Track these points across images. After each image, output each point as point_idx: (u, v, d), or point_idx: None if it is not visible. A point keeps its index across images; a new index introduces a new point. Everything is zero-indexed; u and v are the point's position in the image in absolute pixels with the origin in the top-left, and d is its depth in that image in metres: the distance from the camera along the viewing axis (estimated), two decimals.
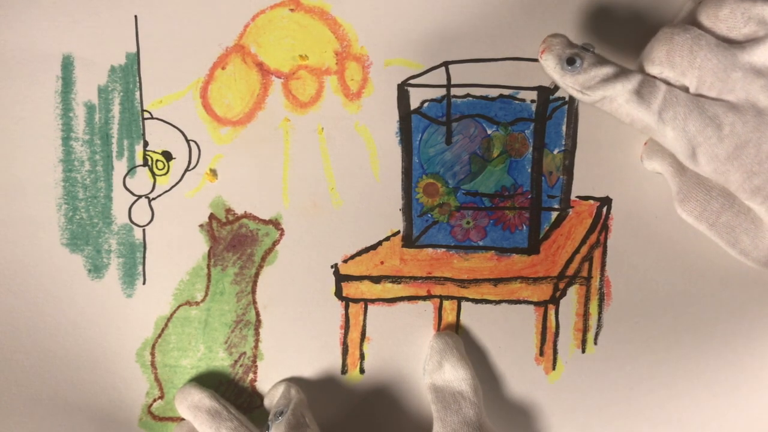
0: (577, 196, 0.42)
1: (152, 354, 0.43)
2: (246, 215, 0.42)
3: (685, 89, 0.36)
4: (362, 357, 0.42)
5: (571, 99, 0.41)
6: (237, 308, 0.42)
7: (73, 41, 0.41)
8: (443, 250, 0.42)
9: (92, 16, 0.41)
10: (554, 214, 0.42)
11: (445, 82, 0.41)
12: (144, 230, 0.42)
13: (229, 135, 0.42)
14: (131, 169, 0.42)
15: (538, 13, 0.41)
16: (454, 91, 0.41)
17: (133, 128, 0.42)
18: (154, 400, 0.43)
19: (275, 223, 0.42)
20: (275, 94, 0.42)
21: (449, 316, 0.42)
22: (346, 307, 0.42)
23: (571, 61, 0.35)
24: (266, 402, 0.42)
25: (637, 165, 0.41)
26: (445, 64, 0.41)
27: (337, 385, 0.43)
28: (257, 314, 0.42)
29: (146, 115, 0.42)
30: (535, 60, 0.41)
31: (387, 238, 0.42)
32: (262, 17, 0.41)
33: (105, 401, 0.43)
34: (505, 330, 0.42)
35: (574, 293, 0.42)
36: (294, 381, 0.42)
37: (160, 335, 0.42)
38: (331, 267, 0.42)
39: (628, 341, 0.42)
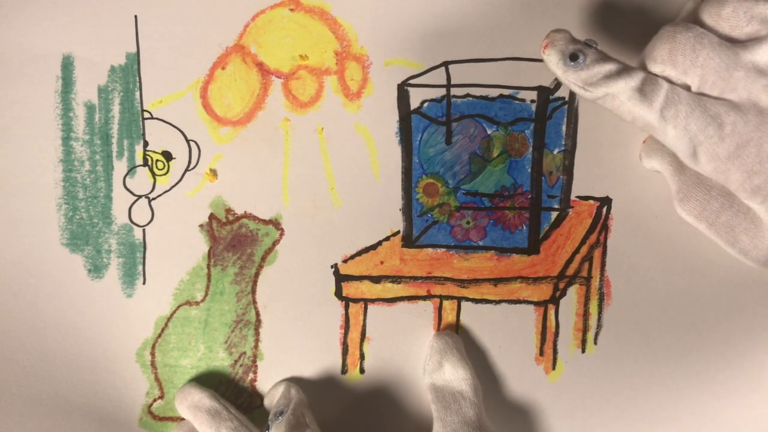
0: (577, 196, 0.42)
1: (152, 354, 0.42)
2: (246, 215, 0.42)
3: (687, 88, 0.35)
4: (362, 357, 0.42)
5: (571, 99, 0.41)
6: (237, 308, 0.42)
7: (73, 41, 0.41)
8: (443, 250, 0.42)
9: (92, 16, 0.41)
10: (554, 214, 0.42)
11: (445, 82, 0.41)
12: (144, 230, 0.42)
13: (229, 135, 0.42)
14: (131, 169, 0.42)
15: (538, 13, 0.41)
16: (454, 91, 0.41)
17: (133, 128, 0.42)
18: (154, 400, 0.43)
19: (275, 223, 0.42)
20: (275, 94, 0.42)
21: (449, 316, 0.42)
22: (346, 307, 0.42)
23: (574, 57, 0.35)
24: (266, 402, 0.42)
25: (637, 165, 0.41)
26: (445, 64, 0.41)
27: (337, 385, 0.43)
28: (257, 314, 0.42)
29: (146, 115, 0.42)
30: (535, 60, 0.41)
31: (387, 238, 0.42)
32: (262, 17, 0.41)
33: (105, 401, 0.43)
34: (505, 330, 0.42)
35: (574, 293, 0.42)
36: (294, 381, 0.42)
37: (160, 335, 0.42)
38: (331, 267, 0.42)
39: (628, 341, 0.42)
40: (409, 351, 0.42)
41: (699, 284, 0.42)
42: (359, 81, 0.41)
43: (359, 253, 0.42)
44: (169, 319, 0.42)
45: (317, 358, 0.42)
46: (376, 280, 0.42)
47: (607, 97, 0.35)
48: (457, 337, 0.42)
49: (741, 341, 0.42)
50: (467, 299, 0.42)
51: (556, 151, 0.42)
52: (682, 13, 0.39)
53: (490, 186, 0.42)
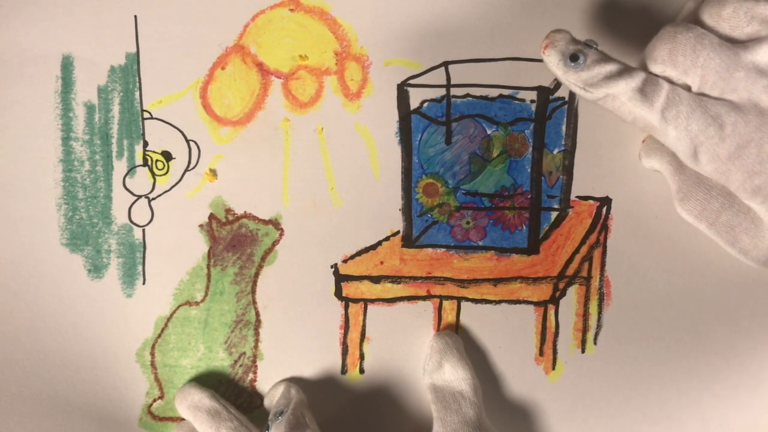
0: (576, 196, 0.42)
1: (152, 354, 0.42)
2: (246, 215, 0.42)
3: (688, 88, 0.35)
4: (362, 357, 0.42)
5: (571, 99, 0.41)
6: (237, 308, 0.42)
7: (73, 41, 0.41)
8: (443, 250, 0.42)
9: (92, 16, 0.41)
10: (554, 214, 0.42)
11: (444, 82, 0.41)
12: (144, 230, 0.42)
13: (229, 135, 0.42)
14: (131, 169, 0.42)
15: (538, 13, 0.41)
16: (453, 91, 0.41)
17: (132, 128, 0.42)
18: (154, 400, 0.43)
19: (275, 223, 0.42)
20: (275, 94, 0.41)
21: (449, 316, 0.42)
22: (346, 307, 0.42)
23: (574, 58, 0.34)
24: (266, 402, 0.42)
25: (637, 165, 0.41)
26: (445, 64, 0.41)
27: (336, 385, 0.43)
28: (257, 314, 0.42)
29: (146, 115, 0.42)
30: (535, 60, 0.41)
31: (387, 238, 0.42)
32: (261, 17, 0.41)
33: (105, 401, 0.42)
34: (504, 330, 0.42)
35: (573, 293, 0.42)
36: (294, 381, 0.42)
37: (160, 335, 0.42)
38: (331, 267, 0.42)
39: (628, 341, 0.42)
40: (408, 351, 0.42)
41: (699, 284, 0.42)
42: (359, 81, 0.41)
43: (359, 253, 0.42)
44: (169, 319, 0.42)
45: (317, 358, 0.42)
46: (375, 280, 0.42)
47: (607, 97, 0.35)
48: (457, 337, 0.42)
49: (741, 341, 0.42)
50: (467, 299, 0.42)
51: (555, 151, 0.41)
52: (682, 13, 0.39)
53: (489, 186, 0.42)
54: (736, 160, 0.35)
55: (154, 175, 0.42)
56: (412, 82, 0.41)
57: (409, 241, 0.42)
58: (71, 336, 0.42)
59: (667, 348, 0.42)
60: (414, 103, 0.41)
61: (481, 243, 0.42)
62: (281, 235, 0.42)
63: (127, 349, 0.42)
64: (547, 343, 0.42)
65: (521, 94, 0.41)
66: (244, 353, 0.42)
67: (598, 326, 0.42)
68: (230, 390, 0.43)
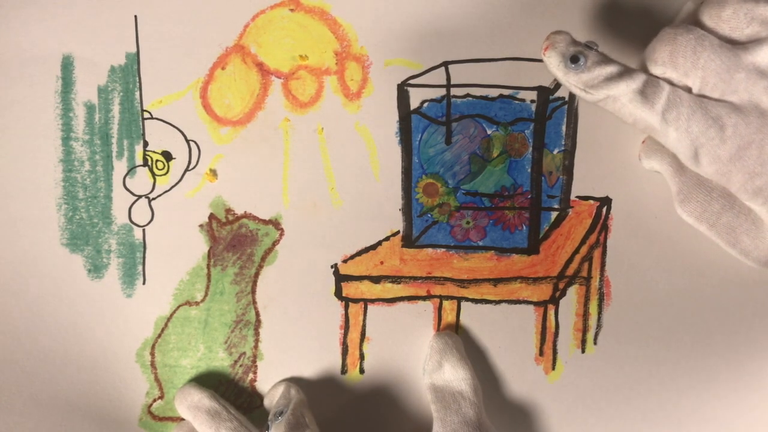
0: (576, 196, 0.42)
1: (152, 354, 0.42)
2: (246, 215, 0.42)
3: (688, 90, 0.35)
4: (362, 357, 0.42)
5: (571, 99, 0.41)
6: (237, 308, 0.42)
7: (73, 41, 0.41)
8: (443, 250, 0.42)
9: (92, 16, 0.41)
10: (554, 214, 0.42)
11: (444, 82, 0.41)
12: (144, 230, 0.42)
13: (229, 135, 0.42)
14: (131, 169, 0.42)
15: (538, 13, 0.41)
16: (453, 91, 0.41)
17: (133, 128, 0.42)
18: (154, 400, 0.43)
19: (275, 223, 0.42)
20: (275, 94, 0.41)
21: (449, 316, 0.42)
22: (346, 307, 0.42)
23: (574, 59, 0.34)
24: (266, 402, 0.42)
25: (637, 165, 0.41)
26: (445, 64, 0.41)
27: (337, 385, 0.42)
28: (257, 314, 0.42)
29: (146, 115, 0.41)
30: (535, 60, 0.41)
31: (387, 238, 0.42)
32: (262, 17, 0.41)
33: (105, 401, 0.42)
34: (504, 330, 0.42)
35: (573, 293, 0.42)
36: (294, 381, 0.42)
37: (160, 335, 0.42)
38: (331, 267, 0.42)
39: (628, 341, 0.42)
40: (408, 351, 0.42)
41: (699, 284, 0.42)
42: (359, 81, 0.41)
43: (359, 253, 0.42)
44: (169, 319, 0.42)
45: (317, 358, 0.42)
46: (376, 280, 0.42)
47: (608, 99, 0.35)
48: (457, 337, 0.42)
49: (741, 341, 0.42)
50: (467, 299, 0.42)
51: (555, 151, 0.41)
52: (680, 14, 0.38)
53: (490, 186, 0.41)
54: (737, 161, 0.34)
55: (154, 175, 0.42)
56: (412, 82, 0.41)
57: (409, 241, 0.42)
58: (71, 336, 0.42)
59: (667, 348, 0.42)
60: (414, 103, 0.41)
61: (481, 243, 0.42)
62: (281, 235, 0.42)
63: (127, 349, 0.42)
64: (547, 343, 0.42)
65: (521, 94, 0.41)
66: (244, 353, 0.42)
67: (598, 326, 0.42)
68: (230, 390, 0.42)
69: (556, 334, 0.42)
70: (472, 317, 0.42)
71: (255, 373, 0.42)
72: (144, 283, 0.42)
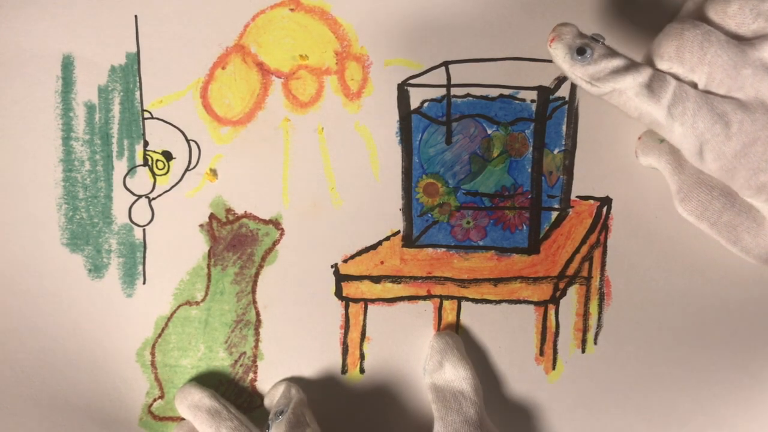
0: (577, 196, 0.42)
1: (152, 354, 0.42)
2: (246, 215, 0.42)
3: (694, 85, 0.35)
4: (362, 357, 0.42)
5: (571, 99, 0.41)
6: (237, 308, 0.42)
7: (73, 41, 0.41)
8: (443, 249, 0.42)
9: (92, 16, 0.41)
10: (554, 214, 0.42)
11: (445, 82, 0.41)
12: (144, 230, 0.42)
13: (229, 135, 0.41)
14: (131, 169, 0.42)
15: (538, 13, 0.40)
16: (454, 91, 0.41)
17: (133, 128, 0.41)
18: (155, 400, 0.42)
19: (275, 223, 0.42)
20: (275, 94, 0.41)
21: (449, 316, 0.42)
22: (346, 307, 0.42)
23: (581, 51, 0.34)
24: (266, 402, 0.42)
25: (638, 165, 0.41)
26: (445, 64, 0.41)
27: (337, 385, 0.42)
28: (257, 314, 0.42)
29: (146, 115, 0.41)
30: (536, 60, 0.40)
31: (387, 238, 0.42)
32: (262, 17, 0.41)
33: (105, 401, 0.42)
34: (505, 330, 0.42)
35: (574, 293, 0.42)
36: (294, 381, 0.42)
37: (160, 335, 0.42)
38: (331, 267, 0.42)
39: (628, 341, 0.42)
40: (409, 351, 0.42)
41: (699, 284, 0.42)
42: (359, 81, 0.41)
43: (359, 253, 0.42)
44: (169, 319, 0.42)
45: (317, 358, 0.42)
46: (376, 280, 0.42)
47: (614, 92, 0.34)
48: (458, 337, 0.42)
49: (741, 341, 0.42)
50: (467, 299, 0.42)
51: (556, 151, 0.41)
52: (683, 10, 0.38)
53: (490, 186, 0.41)
54: (742, 158, 0.34)
55: (154, 174, 0.42)
56: (412, 81, 0.41)
57: (409, 240, 0.42)
58: (71, 336, 0.42)
59: (667, 348, 0.42)
60: (414, 103, 0.41)
61: (481, 243, 0.42)
62: (281, 234, 0.42)
63: (128, 348, 0.42)
64: (547, 343, 0.42)
65: (522, 94, 0.41)
66: (245, 353, 0.42)
67: (599, 326, 0.42)
68: (230, 390, 0.42)
69: (557, 334, 0.42)
70: (473, 317, 0.42)
71: (255, 372, 0.42)
72: (144, 283, 0.42)
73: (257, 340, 0.42)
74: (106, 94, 0.41)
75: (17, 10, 0.41)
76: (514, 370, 0.42)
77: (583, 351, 0.42)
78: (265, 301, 0.42)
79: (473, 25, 0.40)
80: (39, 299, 0.42)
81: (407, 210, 0.41)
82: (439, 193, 0.41)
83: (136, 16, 0.41)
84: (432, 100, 0.41)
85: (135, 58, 0.41)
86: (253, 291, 0.42)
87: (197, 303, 0.42)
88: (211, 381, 0.42)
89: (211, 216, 0.42)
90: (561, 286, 0.42)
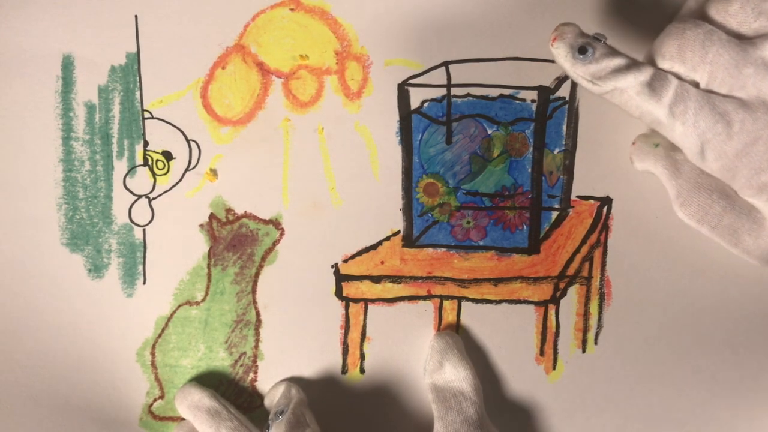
0: (577, 196, 0.41)
1: (152, 354, 0.42)
2: (246, 215, 0.42)
3: (696, 84, 0.34)
4: (362, 357, 0.42)
5: (572, 99, 0.41)
6: (237, 308, 0.42)
7: (73, 41, 0.41)
8: (443, 249, 0.42)
9: (92, 16, 0.41)
10: (554, 214, 0.42)
11: (445, 82, 0.41)
12: (144, 230, 0.42)
13: (230, 135, 0.41)
14: (131, 169, 0.41)
15: (539, 13, 0.40)
16: (454, 90, 0.41)
17: (133, 128, 0.41)
18: (155, 400, 0.42)
19: (275, 223, 0.42)
20: (275, 94, 0.41)
21: (449, 316, 0.42)
22: (347, 307, 0.42)
23: (582, 50, 0.34)
24: (266, 402, 0.42)
25: None
26: (446, 64, 0.41)
27: (337, 385, 0.42)
28: (257, 314, 0.42)
29: (146, 114, 0.41)
30: (536, 60, 0.40)
31: (387, 238, 0.42)
32: (262, 17, 0.41)
33: (105, 401, 0.42)
34: (505, 330, 0.42)
35: (574, 293, 0.42)
36: (294, 381, 0.42)
37: (160, 335, 0.42)
38: (332, 267, 0.42)
39: (628, 341, 0.42)
40: (409, 351, 0.42)
41: (699, 284, 0.41)
42: (359, 81, 0.41)
43: (359, 253, 0.42)
44: (169, 319, 0.42)
45: (317, 358, 0.42)
46: (376, 280, 0.42)
47: (615, 91, 0.34)
48: (458, 336, 0.41)
49: (741, 341, 0.42)
50: (467, 299, 0.42)
51: (556, 151, 0.41)
52: (684, 9, 0.38)
53: (490, 186, 0.41)
54: (744, 157, 0.34)
55: (154, 174, 0.41)
56: (412, 81, 0.41)
57: (409, 240, 0.42)
58: (71, 336, 0.42)
59: (667, 348, 0.42)
60: (414, 103, 0.41)
61: (481, 243, 0.41)
62: (282, 234, 0.41)
63: (128, 348, 0.42)
64: (547, 343, 0.42)
65: (522, 94, 0.41)
66: (245, 353, 0.42)
67: (599, 326, 0.42)
68: (230, 390, 0.42)
69: (557, 334, 0.42)
70: (473, 317, 0.42)
71: (255, 372, 0.42)
72: (144, 283, 0.42)
73: (257, 340, 0.42)
74: (106, 94, 0.41)
75: (17, 10, 0.40)
76: (515, 370, 0.42)
77: (584, 351, 0.42)
78: (266, 301, 0.42)
79: (473, 25, 0.40)
80: (39, 299, 0.41)
81: (407, 210, 0.41)
82: (439, 193, 0.41)
83: (136, 16, 0.41)
84: (432, 100, 0.41)
85: (135, 58, 0.41)
86: (253, 291, 0.42)
87: (197, 303, 0.42)
88: (211, 381, 0.42)
89: (211, 216, 0.41)
90: (561, 286, 0.41)
